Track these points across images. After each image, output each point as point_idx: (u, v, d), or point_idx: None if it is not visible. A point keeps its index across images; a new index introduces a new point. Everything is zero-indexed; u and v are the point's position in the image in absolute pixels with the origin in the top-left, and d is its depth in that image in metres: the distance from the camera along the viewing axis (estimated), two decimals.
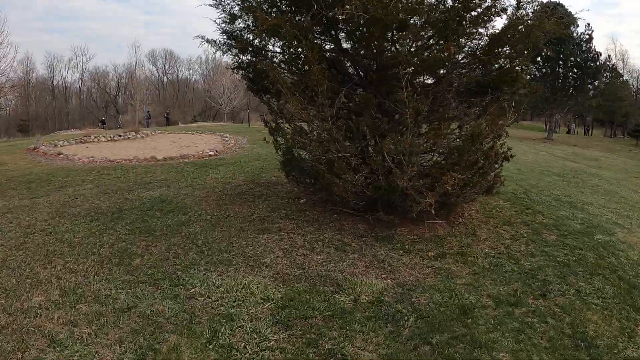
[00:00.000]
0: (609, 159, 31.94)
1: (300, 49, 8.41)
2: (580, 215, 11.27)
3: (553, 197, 13.01)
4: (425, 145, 8.42)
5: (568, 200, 12.76)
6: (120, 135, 27.42)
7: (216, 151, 20.44)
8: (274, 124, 10.70)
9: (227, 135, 27.63)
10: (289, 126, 10.18)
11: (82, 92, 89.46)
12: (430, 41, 9.03)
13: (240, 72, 11.34)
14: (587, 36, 41.36)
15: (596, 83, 43.86)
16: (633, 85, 69.14)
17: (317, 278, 7.47)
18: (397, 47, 8.62)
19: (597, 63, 41.60)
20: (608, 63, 48.08)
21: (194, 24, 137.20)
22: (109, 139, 26.54)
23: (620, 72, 65.43)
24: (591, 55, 41.11)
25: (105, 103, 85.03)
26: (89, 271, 7.58)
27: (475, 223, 10.22)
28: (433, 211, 8.41)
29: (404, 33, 8.18)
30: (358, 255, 8.36)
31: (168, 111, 55.66)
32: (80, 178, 14.85)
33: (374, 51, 8.95)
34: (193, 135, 29.23)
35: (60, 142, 24.24)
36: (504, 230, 9.91)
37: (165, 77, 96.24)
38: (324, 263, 8.00)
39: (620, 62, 69.05)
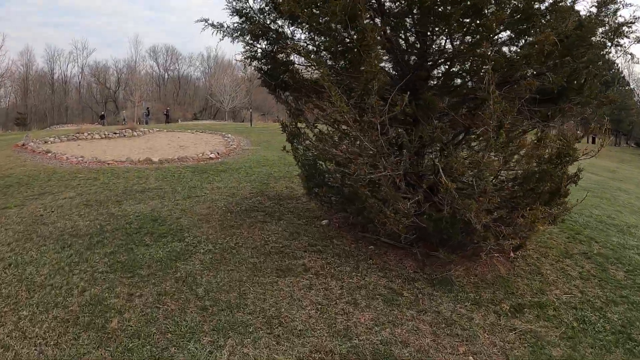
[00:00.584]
0: (625, 171, 30.20)
1: (347, 32, 6.07)
2: (632, 242, 9.53)
3: (595, 217, 11.18)
4: (505, 165, 6.18)
5: (612, 223, 10.93)
6: (115, 133, 25.15)
7: (218, 153, 18.25)
8: (293, 129, 8.41)
9: (229, 135, 25.43)
10: (311, 132, 8.02)
11: (82, 87, 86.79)
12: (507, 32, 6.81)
13: (254, 63, 8.98)
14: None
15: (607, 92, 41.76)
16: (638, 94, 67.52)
17: (374, 356, 5.24)
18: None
19: (612, 71, 39.50)
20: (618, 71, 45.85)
21: (196, 23, 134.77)
22: (104, 136, 24.30)
23: (627, 80, 63.76)
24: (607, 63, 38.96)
25: (105, 98, 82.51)
26: (48, 337, 5.34)
27: (533, 255, 8.18)
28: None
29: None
30: (416, 311, 6.09)
31: (168, 108, 53.26)
32: (63, 183, 12.71)
33: (450, 38, 6.71)
34: (193, 134, 26.99)
35: (51, 139, 21.95)
36: (567, 265, 7.99)
37: (166, 74, 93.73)
38: (376, 328, 5.69)
39: (626, 70, 67.32)
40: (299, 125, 8.38)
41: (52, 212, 9.83)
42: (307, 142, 8.07)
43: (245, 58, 8.89)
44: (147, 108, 49.47)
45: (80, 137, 23.51)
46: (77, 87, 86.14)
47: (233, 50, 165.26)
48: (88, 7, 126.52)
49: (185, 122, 53.47)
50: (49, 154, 17.69)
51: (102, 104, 79.68)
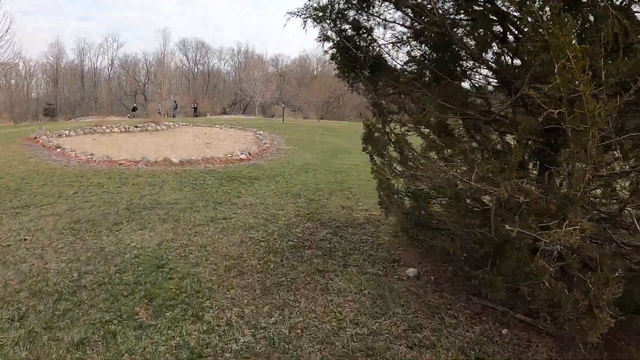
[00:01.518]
0: None
1: None
2: None
3: None
4: None
5: None
6: (137, 127, 22.17)
7: (249, 154, 15.17)
8: (392, 137, 5.17)
9: (261, 132, 22.33)
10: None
11: (112, 79, 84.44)
12: None
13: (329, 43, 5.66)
14: None
15: None
16: None
17: None
18: None
19: None
20: None
21: (224, 17, 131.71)
22: (124, 130, 21.34)
23: None
24: None
25: (134, 91, 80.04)
26: None
27: None
28: None
29: None
30: None
31: (196, 101, 50.29)
32: (58, 190, 9.90)
33: None
34: (221, 129, 23.95)
35: (67, 131, 19.04)
36: None
37: (196, 68, 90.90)
38: None
39: None
40: (395, 130, 5.10)
41: (25, 239, 6.83)
42: (409, 156, 4.73)
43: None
44: (175, 101, 46.67)
45: (98, 130, 20.60)
46: (107, 79, 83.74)
47: (263, 46, 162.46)
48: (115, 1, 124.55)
49: (214, 116, 50.61)
50: (58, 150, 14.87)
51: (131, 97, 77.25)
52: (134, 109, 47.04)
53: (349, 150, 17.91)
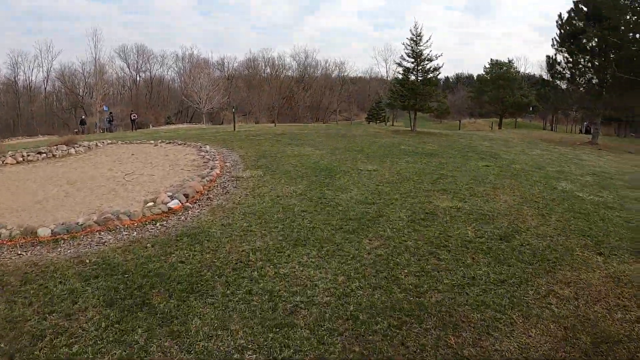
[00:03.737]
0: None
1: None
2: None
3: None
4: None
5: None
6: (41, 153, 15.23)
7: (185, 196, 8.72)
8: None
9: (207, 147, 15.77)
10: None
11: (49, 93, 75.03)
12: None
13: None
14: None
15: None
16: None
17: None
18: None
19: None
20: None
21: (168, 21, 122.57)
22: (21, 159, 14.44)
23: None
24: None
25: (73, 104, 71.10)
26: None
27: None
28: None
29: None
30: None
31: (133, 112, 42.42)
32: None
33: None
34: (156, 147, 17.18)
35: None
36: None
37: (137, 75, 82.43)
38: None
39: None
40: None
41: None
42: None
43: None
44: (110, 113, 39.38)
45: None
46: (42, 93, 74.20)
47: (209, 49, 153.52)
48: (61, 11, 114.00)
49: (157, 127, 43.49)
50: None
51: (69, 110, 68.49)
52: (82, 122, 39.23)
53: (340, 169, 11.97)
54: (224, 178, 10.73)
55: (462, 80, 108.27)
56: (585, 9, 30.15)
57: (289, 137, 20.13)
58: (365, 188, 10.04)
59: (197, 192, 9.17)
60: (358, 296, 5.22)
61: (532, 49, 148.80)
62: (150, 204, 8.29)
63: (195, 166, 12.47)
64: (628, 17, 29.73)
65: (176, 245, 6.54)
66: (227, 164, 12.64)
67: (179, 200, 8.39)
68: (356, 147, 17.04)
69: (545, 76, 63.81)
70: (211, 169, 11.60)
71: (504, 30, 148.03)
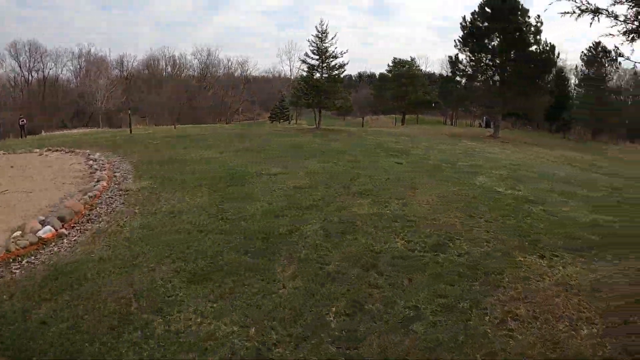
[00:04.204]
0: (599, 162, 22.98)
1: None
2: None
3: None
4: None
5: None
6: None
7: (60, 222, 7.28)
8: None
9: (97, 155, 14.14)
10: None
11: None
12: None
13: None
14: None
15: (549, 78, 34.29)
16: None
17: None
18: None
19: (552, 56, 31.47)
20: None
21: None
22: None
23: None
24: (547, 47, 31.13)
25: None
26: None
27: None
28: None
29: None
30: None
31: (22, 117, 38.62)
32: None
33: None
34: (41, 157, 15.22)
35: None
36: None
37: (30, 75, 75.70)
38: None
39: None
40: None
41: None
42: None
43: None
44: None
45: None
46: None
47: (107, 47, 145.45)
48: None
49: (50, 132, 40.04)
50: None
51: None
52: None
53: (245, 174, 10.96)
54: (111, 192, 9.34)
55: (364, 79, 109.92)
56: (489, 10, 31.01)
57: (189, 139, 18.79)
58: (273, 196, 9.06)
59: (77, 212, 7.76)
60: (278, 357, 4.15)
61: (432, 49, 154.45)
62: (17, 233, 6.82)
63: (80, 178, 10.93)
64: (527, 19, 31.00)
65: (40, 294, 5.11)
66: (117, 174, 11.22)
67: (53, 227, 6.98)
68: (261, 147, 16.09)
69: (447, 74, 65.73)
70: (97, 181, 10.16)
71: (404, 30, 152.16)
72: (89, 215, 7.82)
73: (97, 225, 7.35)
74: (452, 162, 14.77)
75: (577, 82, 45.26)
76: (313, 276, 5.61)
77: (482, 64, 31.68)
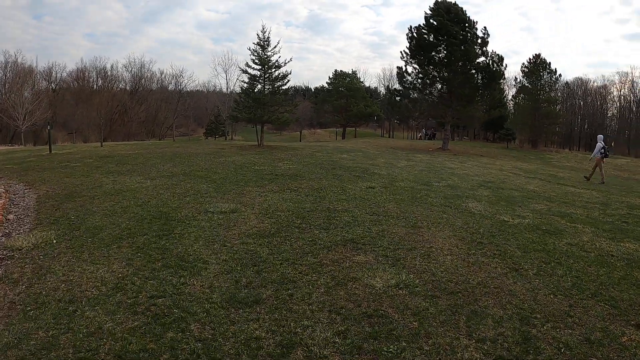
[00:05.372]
0: (557, 172, 22.03)
1: None
2: None
3: None
4: None
5: None
6: None
7: None
8: None
9: None
10: None
11: None
12: None
13: None
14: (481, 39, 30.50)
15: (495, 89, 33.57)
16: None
17: None
18: None
19: (500, 67, 30.56)
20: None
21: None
22: None
23: None
24: (495, 58, 30.15)
25: None
26: None
27: None
28: None
29: None
30: None
31: None
32: None
33: None
34: None
35: None
36: None
37: None
38: None
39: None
40: None
41: None
42: None
43: None
44: None
45: None
46: None
47: (37, 55, 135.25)
48: None
49: None
50: None
51: None
52: None
53: (182, 214, 7.99)
54: None
55: (299, 92, 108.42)
56: (435, 23, 29.84)
57: (115, 160, 15.69)
58: (227, 255, 6.03)
59: None
60: None
61: (366, 63, 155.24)
62: None
63: None
64: (474, 30, 30.01)
65: None
66: (11, 215, 8.21)
67: None
68: (200, 171, 13.27)
69: (383, 88, 64.83)
70: None
71: (338, 45, 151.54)
72: None
73: None
74: (425, 182, 12.68)
75: (514, 93, 45.13)
76: None
77: (430, 76, 30.44)
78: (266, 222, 7.82)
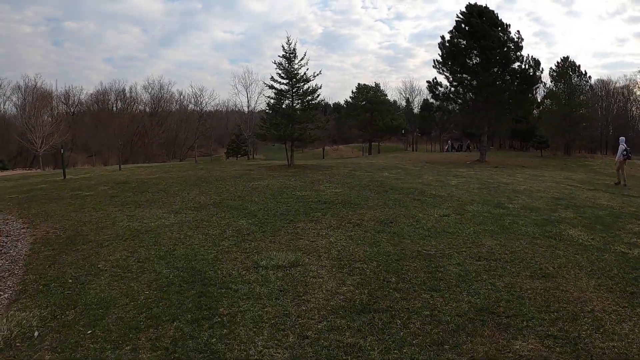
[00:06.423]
0: (598, 179, 20.13)
1: None
2: None
3: None
4: None
5: None
6: None
7: None
8: None
9: None
10: None
11: None
12: None
13: None
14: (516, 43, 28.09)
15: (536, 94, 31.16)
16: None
17: None
18: None
19: (538, 72, 27.98)
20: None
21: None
22: None
23: None
24: (532, 62, 27.66)
25: None
26: None
27: None
28: None
29: None
30: None
31: None
32: None
33: None
34: None
35: None
36: None
37: None
38: None
39: None
40: None
41: None
42: None
43: None
44: None
45: None
46: None
47: (53, 80, 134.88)
48: None
49: None
50: None
51: None
52: None
53: (224, 274, 5.27)
54: None
55: (319, 109, 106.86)
56: (467, 27, 27.54)
57: (133, 187, 13.28)
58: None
59: None
60: None
61: (382, 77, 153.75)
62: None
63: None
64: (508, 34, 27.77)
65: None
66: None
67: None
68: (233, 200, 10.79)
69: (404, 101, 62.53)
70: None
71: (354, 61, 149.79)
72: None
73: None
74: (496, 204, 10.33)
75: (542, 99, 41.84)
76: None
77: (464, 84, 27.92)
78: (348, 282, 5.29)
